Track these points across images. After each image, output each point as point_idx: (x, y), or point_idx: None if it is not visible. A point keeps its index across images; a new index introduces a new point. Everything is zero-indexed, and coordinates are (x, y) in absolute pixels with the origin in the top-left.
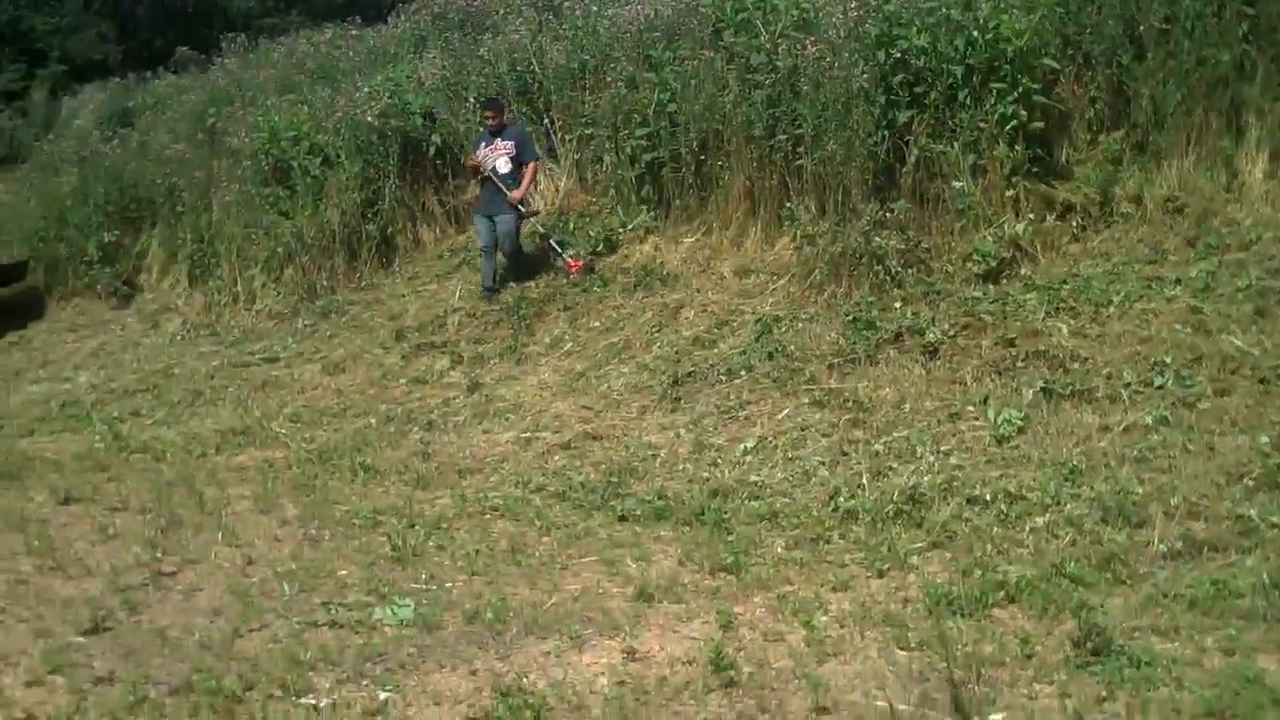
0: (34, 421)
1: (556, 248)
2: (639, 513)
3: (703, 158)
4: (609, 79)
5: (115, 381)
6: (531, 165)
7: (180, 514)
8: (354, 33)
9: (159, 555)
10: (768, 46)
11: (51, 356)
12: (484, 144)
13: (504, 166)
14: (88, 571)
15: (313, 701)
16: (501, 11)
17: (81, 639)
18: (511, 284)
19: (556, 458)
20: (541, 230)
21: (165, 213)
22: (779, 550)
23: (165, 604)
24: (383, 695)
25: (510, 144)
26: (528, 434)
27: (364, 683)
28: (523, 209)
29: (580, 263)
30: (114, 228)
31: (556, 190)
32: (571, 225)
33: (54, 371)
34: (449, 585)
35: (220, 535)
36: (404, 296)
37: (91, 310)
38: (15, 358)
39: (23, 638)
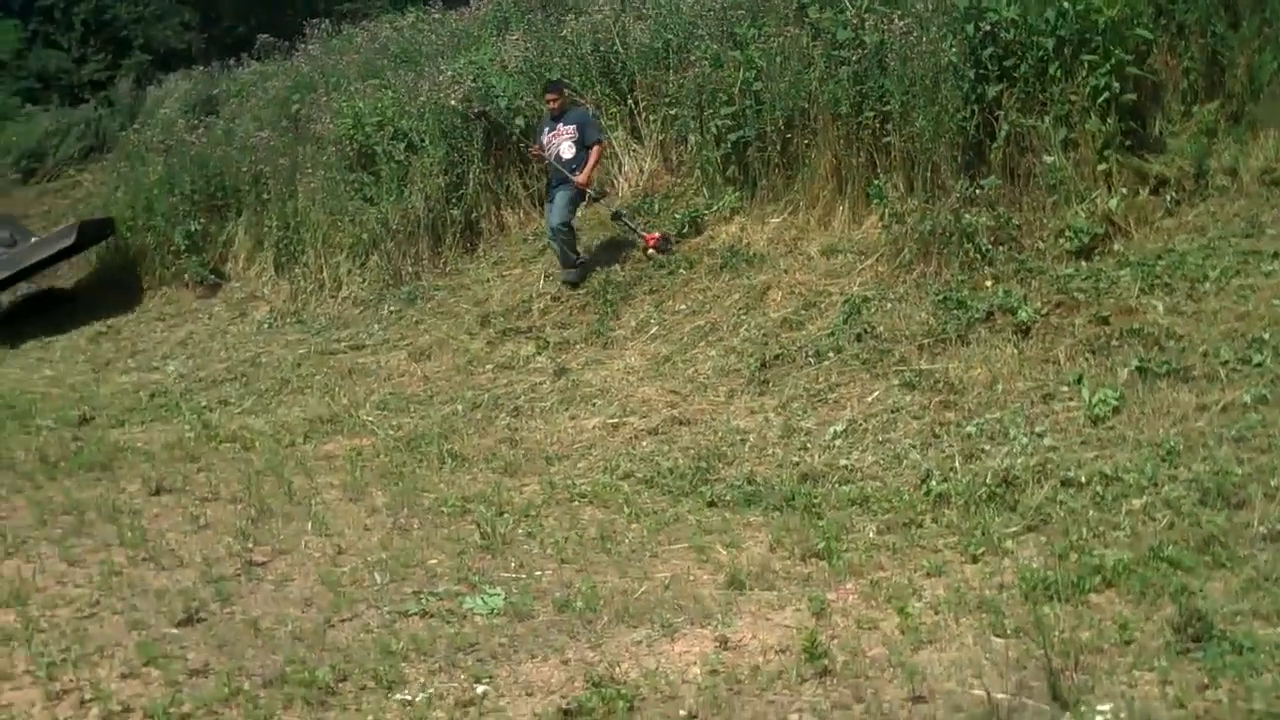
0: (124, 412)
1: (629, 224)
2: (728, 498)
3: (789, 136)
4: (693, 58)
5: (203, 371)
6: (596, 148)
7: (270, 503)
8: (436, 16)
9: (250, 545)
10: (854, 22)
11: (140, 346)
12: (546, 130)
13: (568, 151)
14: (180, 562)
15: (408, 696)
16: None
17: (175, 630)
18: (598, 267)
19: (644, 443)
20: (612, 209)
21: (251, 201)
22: (871, 535)
23: (257, 594)
24: (479, 689)
25: (573, 128)
26: (615, 419)
27: (457, 673)
28: (591, 192)
29: (657, 235)
30: (200, 216)
31: (641, 171)
32: (656, 206)
33: (143, 361)
34: (539, 573)
35: (310, 524)
36: (489, 281)
37: (179, 299)
38: (104, 348)
39: (118, 629)
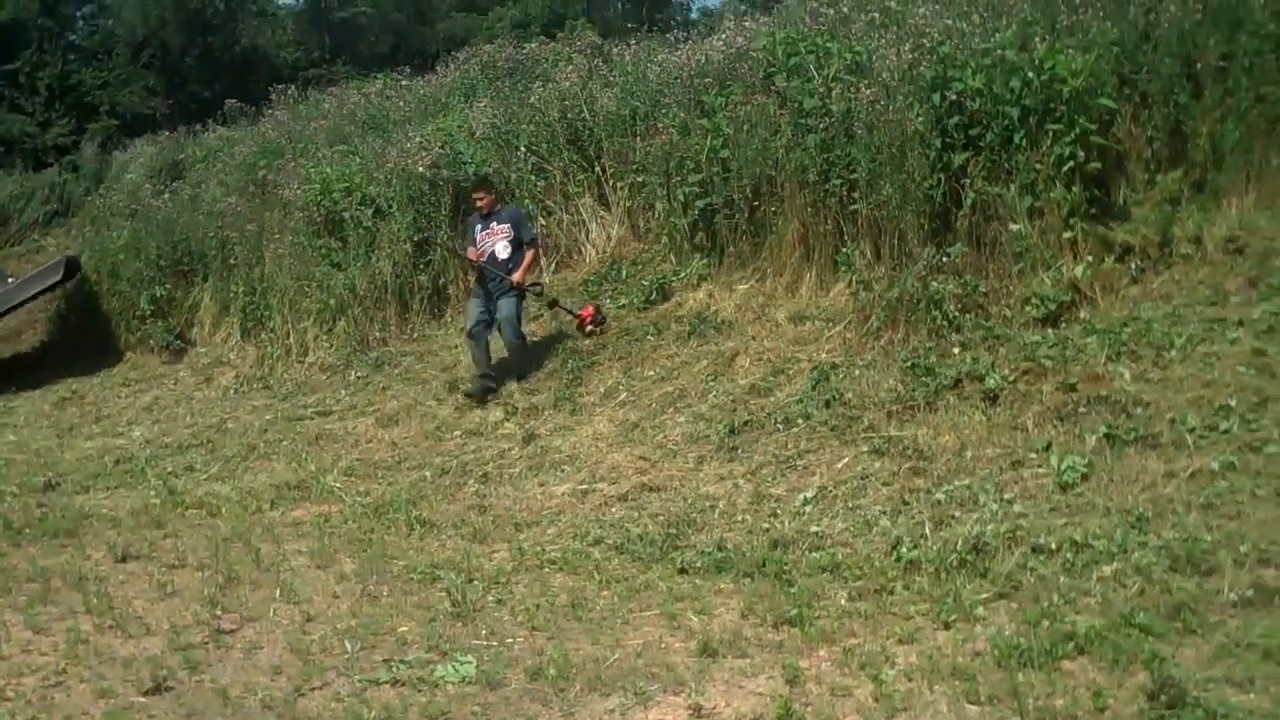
0: (89, 478)
1: (566, 309)
2: (699, 565)
3: (756, 204)
4: (660, 125)
5: (169, 436)
6: (534, 249)
7: (238, 570)
8: (404, 83)
9: (218, 613)
10: (821, 90)
11: (105, 411)
12: (478, 229)
13: (503, 251)
14: (147, 630)
15: None
16: (551, 59)
17: (144, 699)
18: (567, 338)
19: (614, 509)
20: (549, 298)
21: (217, 266)
22: (842, 602)
23: (226, 663)
24: None
25: (506, 226)
26: (584, 486)
27: None
28: (529, 290)
29: (590, 309)
30: (166, 282)
31: (608, 238)
32: (624, 273)
33: (108, 427)
34: (510, 641)
35: (278, 592)
36: (456, 347)
37: (145, 365)
38: (70, 413)
39: (85, 698)
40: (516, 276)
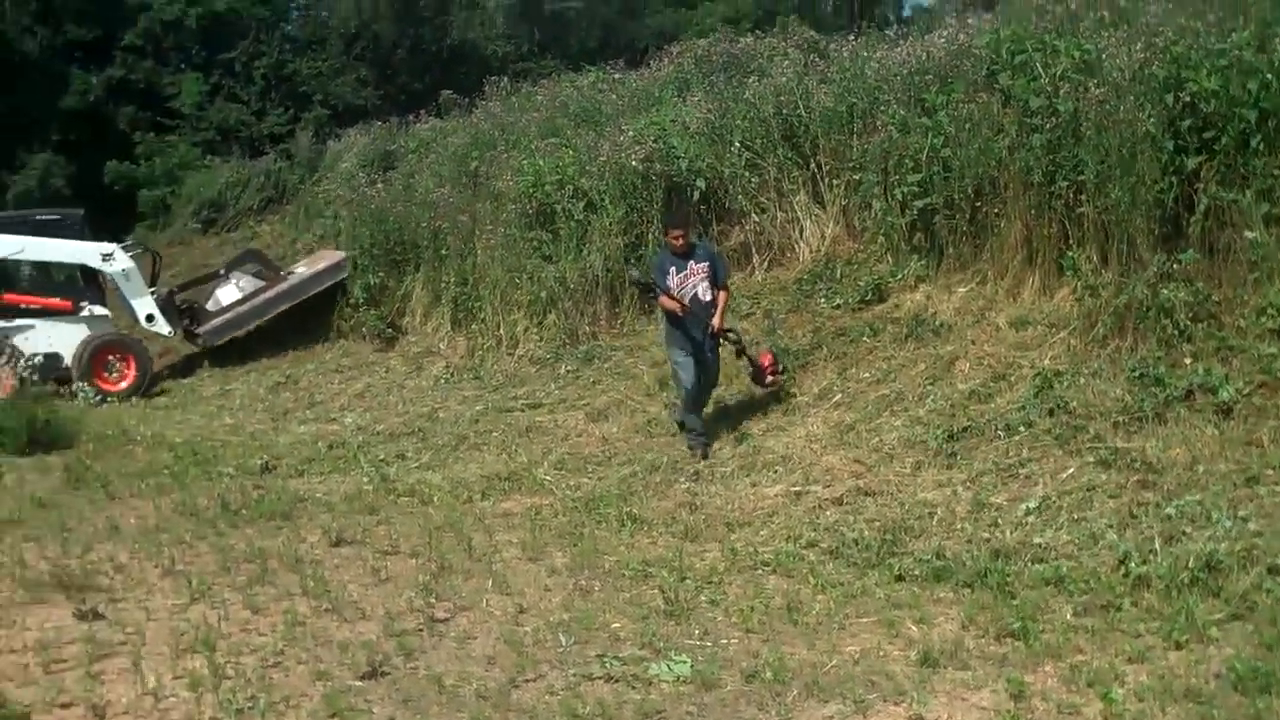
0: (303, 462)
1: (750, 356)
2: (917, 572)
3: (977, 204)
4: (879, 123)
5: (381, 424)
6: (727, 290)
7: (450, 559)
8: (616, 76)
9: (432, 601)
10: (1047, 89)
11: (318, 397)
12: (672, 270)
13: (706, 294)
14: (362, 615)
15: None
16: (767, 54)
17: (360, 683)
18: (779, 332)
19: (828, 512)
20: (739, 345)
21: (429, 256)
22: (1068, 617)
23: (440, 650)
24: None
25: (705, 265)
26: (797, 487)
27: None
28: (727, 338)
29: (768, 355)
30: (379, 270)
31: (822, 236)
32: (838, 273)
33: (321, 412)
34: (724, 642)
35: (490, 582)
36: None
37: (357, 352)
38: (284, 397)
39: (303, 680)
40: (716, 322)
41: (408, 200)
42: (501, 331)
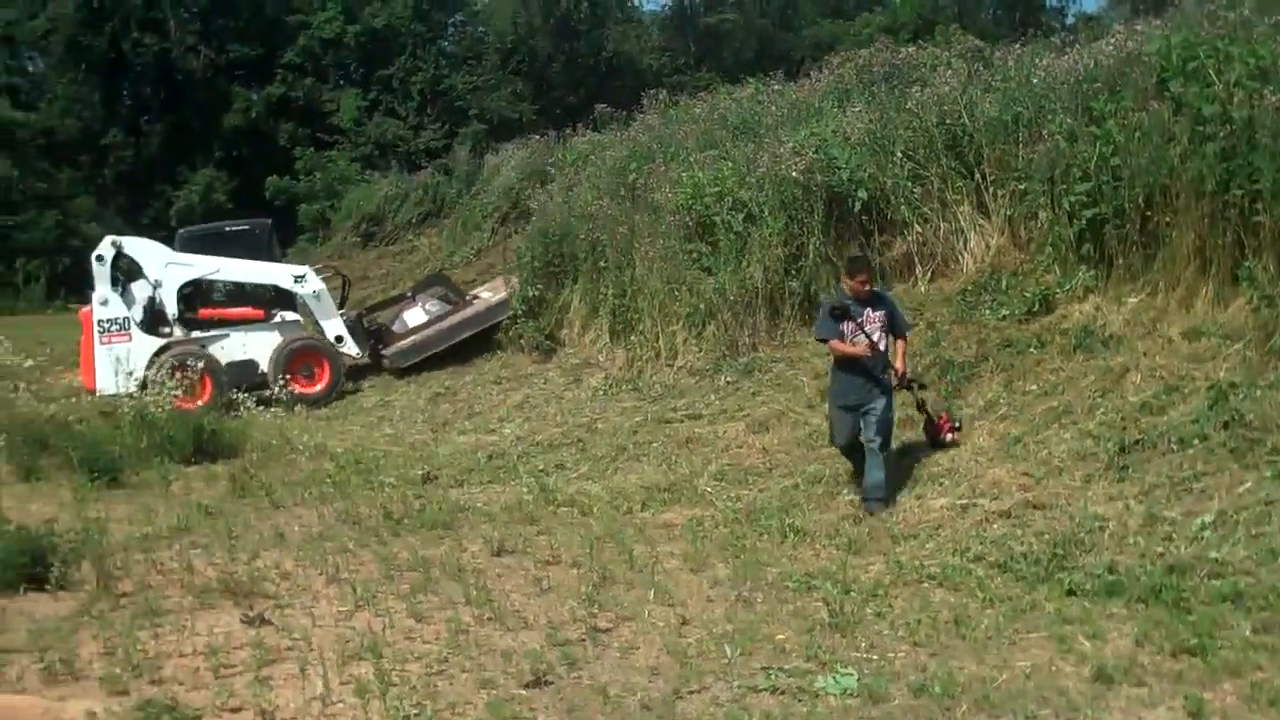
0: (463, 472)
1: (929, 411)
2: (1088, 587)
3: (1148, 214)
4: (1045, 132)
5: (540, 434)
6: (905, 339)
7: (611, 570)
8: (775, 87)
9: (594, 611)
10: (1221, 96)
11: (477, 408)
12: (853, 317)
13: (883, 342)
14: (525, 624)
15: None
16: (929, 64)
17: (524, 691)
18: (942, 344)
19: (995, 526)
20: (920, 397)
21: (587, 268)
22: (1246, 634)
23: (603, 660)
24: None
25: (882, 313)
26: (963, 500)
27: None
28: (912, 386)
29: (946, 416)
30: (538, 282)
31: (987, 247)
32: (1004, 283)
33: (480, 423)
34: (891, 655)
35: (652, 593)
36: (828, 355)
37: (515, 363)
38: (443, 408)
39: (467, 688)
40: (899, 364)
41: (566, 213)
42: (660, 343)
